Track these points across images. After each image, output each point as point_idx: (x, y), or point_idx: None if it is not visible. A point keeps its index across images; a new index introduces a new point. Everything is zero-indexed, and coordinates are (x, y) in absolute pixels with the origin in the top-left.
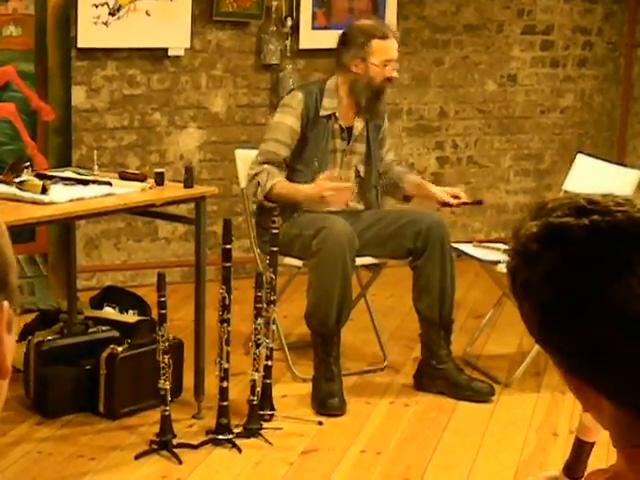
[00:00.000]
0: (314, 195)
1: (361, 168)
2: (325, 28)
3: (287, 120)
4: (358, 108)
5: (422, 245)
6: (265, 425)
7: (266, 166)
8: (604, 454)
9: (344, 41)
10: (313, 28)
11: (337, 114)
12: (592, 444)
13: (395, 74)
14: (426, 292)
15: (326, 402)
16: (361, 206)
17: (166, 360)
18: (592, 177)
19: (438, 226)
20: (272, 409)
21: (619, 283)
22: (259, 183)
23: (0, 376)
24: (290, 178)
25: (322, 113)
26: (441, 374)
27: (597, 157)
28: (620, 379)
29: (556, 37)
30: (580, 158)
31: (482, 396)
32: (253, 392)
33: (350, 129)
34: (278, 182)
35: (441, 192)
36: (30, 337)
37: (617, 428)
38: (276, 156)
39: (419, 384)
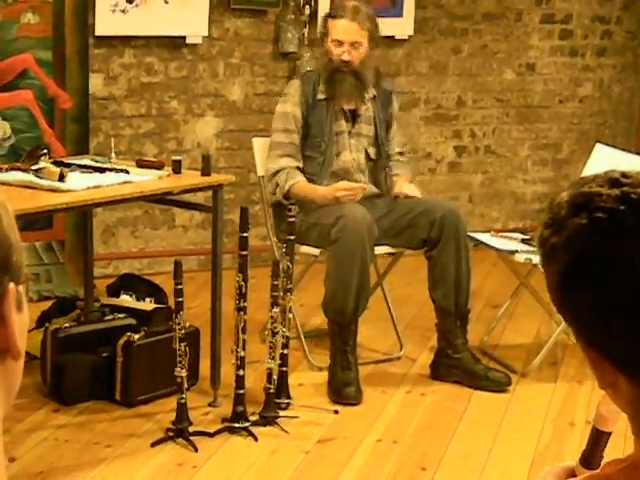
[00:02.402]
0: (328, 194)
1: (371, 150)
2: None
3: (288, 108)
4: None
5: (437, 235)
6: (281, 413)
7: (284, 163)
8: (621, 444)
9: None
10: None
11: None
12: (609, 434)
13: (346, 57)
14: (441, 282)
15: (342, 391)
16: (374, 189)
17: (182, 348)
18: (611, 166)
19: (452, 215)
20: (288, 397)
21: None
22: (278, 184)
23: (12, 357)
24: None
25: (319, 97)
26: (457, 363)
27: (616, 147)
28: (637, 350)
29: (575, 26)
30: (598, 148)
31: (499, 386)
32: (269, 380)
33: (354, 111)
34: (296, 183)
35: (400, 188)
36: (47, 324)
37: (634, 410)
38: (291, 145)
39: (435, 373)
